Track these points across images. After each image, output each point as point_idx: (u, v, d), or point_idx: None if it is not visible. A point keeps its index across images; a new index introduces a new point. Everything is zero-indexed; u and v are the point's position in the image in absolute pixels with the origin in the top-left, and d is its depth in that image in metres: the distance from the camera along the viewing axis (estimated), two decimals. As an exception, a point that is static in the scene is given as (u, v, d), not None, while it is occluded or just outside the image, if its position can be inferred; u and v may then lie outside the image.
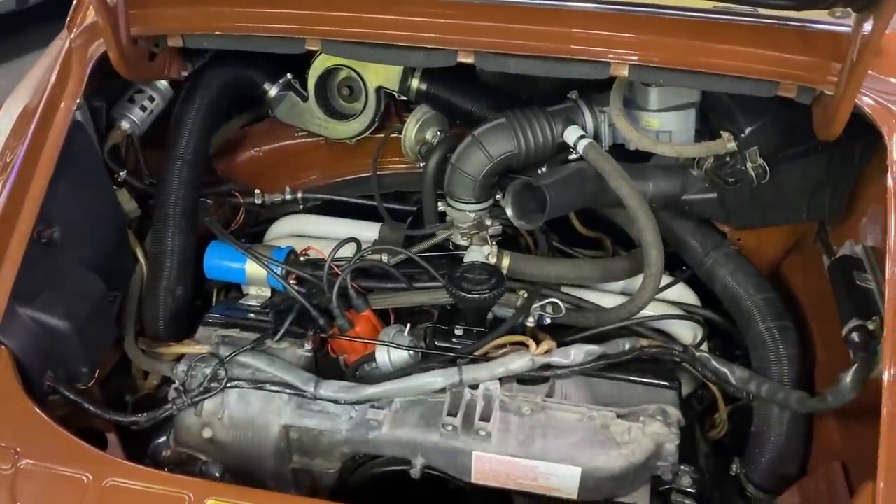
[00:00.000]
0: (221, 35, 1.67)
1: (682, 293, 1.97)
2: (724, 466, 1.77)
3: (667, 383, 1.66)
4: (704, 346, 1.86)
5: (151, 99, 1.98)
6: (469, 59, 1.57)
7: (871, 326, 1.47)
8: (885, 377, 1.32)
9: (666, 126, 1.79)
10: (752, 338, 1.75)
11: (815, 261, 1.90)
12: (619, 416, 1.57)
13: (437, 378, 1.59)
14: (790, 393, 1.57)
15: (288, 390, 1.64)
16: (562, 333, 1.79)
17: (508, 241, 2.01)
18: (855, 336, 1.47)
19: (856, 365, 1.43)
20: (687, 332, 1.90)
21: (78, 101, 1.67)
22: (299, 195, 2.23)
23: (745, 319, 1.77)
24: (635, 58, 1.52)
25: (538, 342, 1.67)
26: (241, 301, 1.88)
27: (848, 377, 1.43)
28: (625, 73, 1.54)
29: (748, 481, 1.69)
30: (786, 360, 1.67)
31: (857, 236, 1.75)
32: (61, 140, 1.62)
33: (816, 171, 1.77)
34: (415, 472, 1.57)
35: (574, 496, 1.55)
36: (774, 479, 1.67)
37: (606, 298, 1.91)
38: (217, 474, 1.67)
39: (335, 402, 1.62)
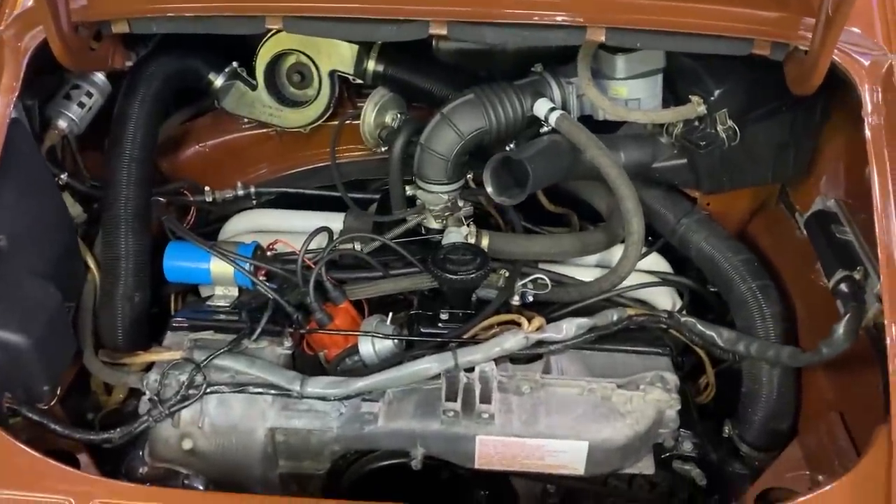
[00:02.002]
0: (172, 17, 1.55)
1: (656, 262, 1.97)
2: (714, 429, 1.77)
3: (659, 350, 1.65)
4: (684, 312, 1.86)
5: (89, 94, 1.84)
6: (442, 31, 1.51)
7: (857, 276, 1.49)
8: (887, 322, 1.33)
9: (634, 94, 1.78)
10: (734, 299, 1.75)
11: (781, 221, 1.94)
12: (618, 387, 1.54)
13: (431, 364, 1.53)
14: (781, 349, 1.58)
15: (272, 391, 1.54)
16: (543, 311, 1.76)
17: (477, 221, 1.96)
18: (843, 286, 1.49)
19: (848, 315, 1.45)
20: (665, 299, 1.90)
21: (15, 96, 1.53)
22: (252, 190, 2.13)
23: (725, 282, 1.78)
24: (612, 21, 1.49)
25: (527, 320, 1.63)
26: (207, 303, 1.77)
27: (841, 328, 1.44)
28: (602, 37, 1.51)
29: (742, 441, 1.70)
30: (770, 318, 1.68)
31: (820, 193, 1.78)
32: (0, 140, 1.48)
33: (781, 131, 1.79)
34: (415, 463, 1.51)
35: (581, 471, 1.52)
36: (768, 436, 1.68)
37: (582, 272, 1.89)
38: (201, 487, 1.56)
39: (324, 398, 1.54)
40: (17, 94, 1.53)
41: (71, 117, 1.81)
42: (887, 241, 1.41)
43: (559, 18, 1.50)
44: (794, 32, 1.49)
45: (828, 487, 1.25)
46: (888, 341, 1.32)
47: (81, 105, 1.82)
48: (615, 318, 1.66)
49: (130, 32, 1.60)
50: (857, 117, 1.50)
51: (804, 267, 1.71)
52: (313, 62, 2.00)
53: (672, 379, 1.57)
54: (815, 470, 1.45)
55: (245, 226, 2.07)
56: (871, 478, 1.23)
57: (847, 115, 1.66)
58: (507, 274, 1.76)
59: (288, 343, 1.64)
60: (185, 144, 2.20)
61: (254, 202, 2.15)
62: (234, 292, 1.78)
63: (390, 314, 1.70)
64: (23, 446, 1.27)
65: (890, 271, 1.38)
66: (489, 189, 1.70)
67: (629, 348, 1.65)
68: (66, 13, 1.49)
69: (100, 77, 1.86)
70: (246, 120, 2.14)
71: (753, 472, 1.66)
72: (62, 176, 1.78)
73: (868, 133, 1.48)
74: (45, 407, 1.49)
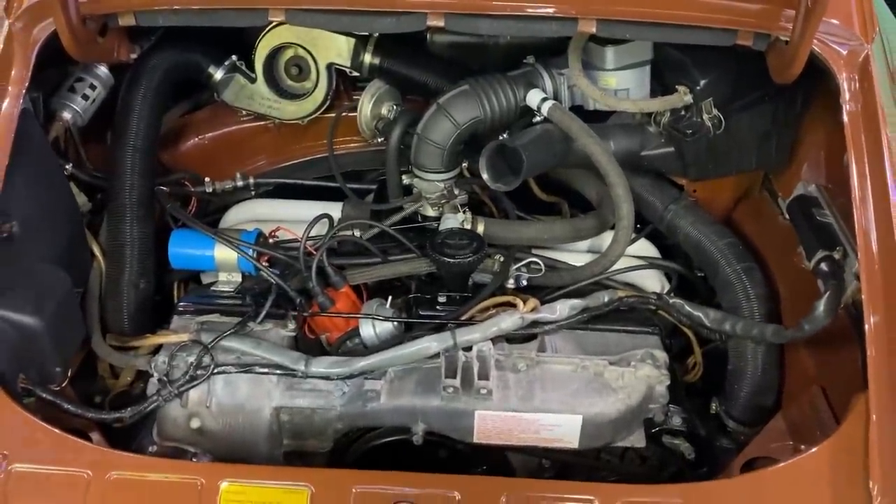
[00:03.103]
0: (178, 10, 1.60)
1: (644, 247, 2.04)
2: (701, 406, 1.84)
3: (648, 329, 1.72)
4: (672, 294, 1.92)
5: (93, 87, 1.89)
6: (439, 22, 1.56)
7: (836, 256, 1.57)
8: (865, 304, 1.39)
9: (623, 84, 1.84)
10: (719, 281, 1.82)
11: (764, 207, 2.02)
12: (610, 364, 1.61)
13: (431, 343, 1.58)
14: (765, 327, 1.65)
15: (277, 371, 1.60)
16: (537, 294, 1.81)
17: (472, 209, 2.02)
18: (824, 266, 1.56)
19: (828, 293, 1.52)
20: (654, 283, 1.97)
21: (25, 87, 1.57)
22: (251, 181, 2.17)
23: (711, 265, 1.85)
24: (602, 12, 1.55)
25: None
26: (212, 288, 1.82)
27: (822, 305, 1.52)
28: (592, 28, 1.57)
29: (728, 417, 1.77)
30: (755, 299, 1.75)
31: (802, 179, 1.86)
32: (12, 129, 1.53)
33: (764, 120, 1.86)
34: (417, 439, 1.56)
35: (575, 445, 1.58)
36: (753, 411, 1.75)
37: (574, 257, 1.95)
38: (208, 465, 1.61)
39: (328, 378, 1.60)
40: (27, 84, 1.57)
41: (75, 109, 1.86)
42: (865, 224, 1.47)
43: (551, 10, 1.56)
44: (775, 23, 1.55)
45: (810, 452, 1.32)
46: (866, 327, 1.38)
47: (85, 97, 1.87)
48: (606, 299, 1.73)
49: (136, 25, 1.65)
50: (836, 106, 1.57)
51: (786, 250, 1.78)
52: (311, 55, 2.05)
53: (661, 356, 1.64)
54: (798, 440, 1.52)
55: (244, 215, 2.12)
56: (850, 443, 1.30)
57: (826, 104, 1.73)
58: (501, 259, 1.82)
59: (292, 325, 1.69)
60: (184, 137, 2.24)
61: (252, 193, 2.19)
62: (238, 278, 1.83)
63: (389, 298, 1.75)
64: (42, 423, 1.32)
65: (867, 254, 1.44)
66: (485, 175, 1.76)
67: (620, 328, 1.72)
68: (74, 6, 1.54)
69: (103, 70, 1.91)
70: (244, 112, 2.18)
71: (740, 447, 1.73)
72: (67, 166, 1.82)
73: (846, 119, 1.54)
74: (57, 388, 1.54)
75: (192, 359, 1.58)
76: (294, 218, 2.01)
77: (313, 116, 2.15)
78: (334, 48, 2.02)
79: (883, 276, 1.41)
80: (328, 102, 2.11)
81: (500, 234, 1.85)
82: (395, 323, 1.70)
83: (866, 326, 1.38)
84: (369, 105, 2.06)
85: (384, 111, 2.07)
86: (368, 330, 1.69)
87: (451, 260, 1.68)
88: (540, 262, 1.81)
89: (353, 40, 2.01)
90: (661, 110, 1.82)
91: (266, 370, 1.60)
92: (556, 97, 1.88)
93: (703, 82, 1.77)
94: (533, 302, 1.68)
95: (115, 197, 1.81)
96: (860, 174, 1.51)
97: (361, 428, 1.64)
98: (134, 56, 1.83)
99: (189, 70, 2.02)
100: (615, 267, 1.86)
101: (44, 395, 1.47)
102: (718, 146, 1.85)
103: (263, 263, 1.77)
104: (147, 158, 1.86)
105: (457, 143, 1.86)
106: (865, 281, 1.42)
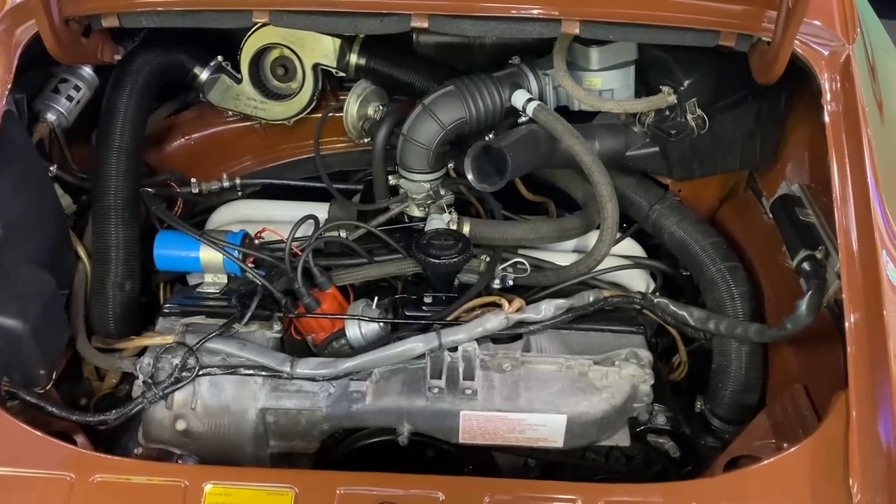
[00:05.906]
0: (161, 11, 1.60)
1: (630, 247, 2.05)
2: (686, 405, 1.85)
3: (633, 329, 1.72)
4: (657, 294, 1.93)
5: (77, 88, 1.89)
6: (423, 24, 1.57)
7: (818, 255, 1.58)
8: (845, 302, 1.40)
9: (608, 84, 1.85)
10: (704, 280, 1.83)
11: (748, 206, 2.03)
12: (595, 363, 1.61)
13: (417, 344, 1.59)
14: (748, 326, 1.66)
15: (263, 373, 1.60)
16: (523, 294, 1.82)
17: (458, 209, 2.02)
18: (806, 265, 1.57)
19: (810, 292, 1.53)
20: (639, 282, 1.98)
21: (8, 89, 1.57)
22: (237, 182, 2.17)
23: (696, 264, 1.86)
24: (585, 14, 1.56)
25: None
26: (198, 290, 1.81)
27: (804, 304, 1.53)
28: (575, 29, 1.58)
29: (713, 416, 1.78)
30: (738, 298, 1.76)
31: (785, 179, 1.87)
32: (-4, 131, 1.52)
33: (748, 120, 1.88)
34: (402, 440, 1.57)
35: (560, 444, 1.59)
36: (738, 410, 1.75)
37: (559, 257, 1.96)
38: (194, 466, 1.61)
39: (313, 379, 1.60)
40: (9, 86, 1.57)
41: (59, 110, 1.86)
42: (846, 223, 1.48)
43: (535, 12, 1.57)
44: (757, 24, 1.57)
45: (791, 450, 1.33)
46: (847, 325, 1.39)
47: (70, 98, 1.88)
48: (591, 299, 1.73)
49: (120, 27, 1.65)
50: (818, 106, 1.58)
51: (770, 249, 1.80)
52: (297, 56, 2.05)
53: (646, 355, 1.64)
54: (781, 438, 1.52)
55: (231, 216, 2.11)
56: (831, 440, 1.31)
57: (809, 104, 1.74)
58: (487, 259, 1.83)
59: (277, 326, 1.69)
60: (170, 137, 2.24)
61: (239, 193, 2.19)
62: (223, 280, 1.82)
63: (375, 299, 1.76)
64: (24, 426, 1.32)
65: (848, 253, 1.45)
66: (470, 176, 1.76)
67: (605, 327, 1.72)
68: (57, 8, 1.53)
69: (87, 71, 1.91)
70: (230, 113, 2.18)
71: (724, 445, 1.74)
72: (51, 168, 1.82)
73: (827, 120, 1.56)
74: (42, 391, 1.53)
75: (177, 360, 1.58)
76: (280, 219, 2.01)
77: (299, 117, 2.15)
78: (320, 49, 2.02)
79: (863, 275, 1.42)
80: (314, 103, 2.11)
81: (486, 234, 1.86)
82: (381, 324, 1.70)
83: (847, 325, 1.39)
84: (355, 105, 2.06)
85: (370, 111, 2.07)
86: (354, 331, 1.70)
87: (437, 260, 1.68)
88: (525, 263, 1.82)
89: (338, 41, 2.01)
90: (646, 110, 1.83)
91: (251, 371, 1.60)
92: (541, 98, 1.89)
93: (686, 83, 1.78)
94: (518, 302, 1.68)
95: (101, 198, 1.81)
96: (841, 174, 1.52)
97: (347, 429, 1.64)
98: (118, 57, 1.82)
99: (174, 71, 2.02)
100: (600, 266, 1.86)
101: (27, 398, 1.47)
102: (703, 146, 1.86)
103: (249, 265, 1.77)
104: (132, 159, 1.86)
105: (442, 144, 1.86)
106: (846, 280, 1.43)
